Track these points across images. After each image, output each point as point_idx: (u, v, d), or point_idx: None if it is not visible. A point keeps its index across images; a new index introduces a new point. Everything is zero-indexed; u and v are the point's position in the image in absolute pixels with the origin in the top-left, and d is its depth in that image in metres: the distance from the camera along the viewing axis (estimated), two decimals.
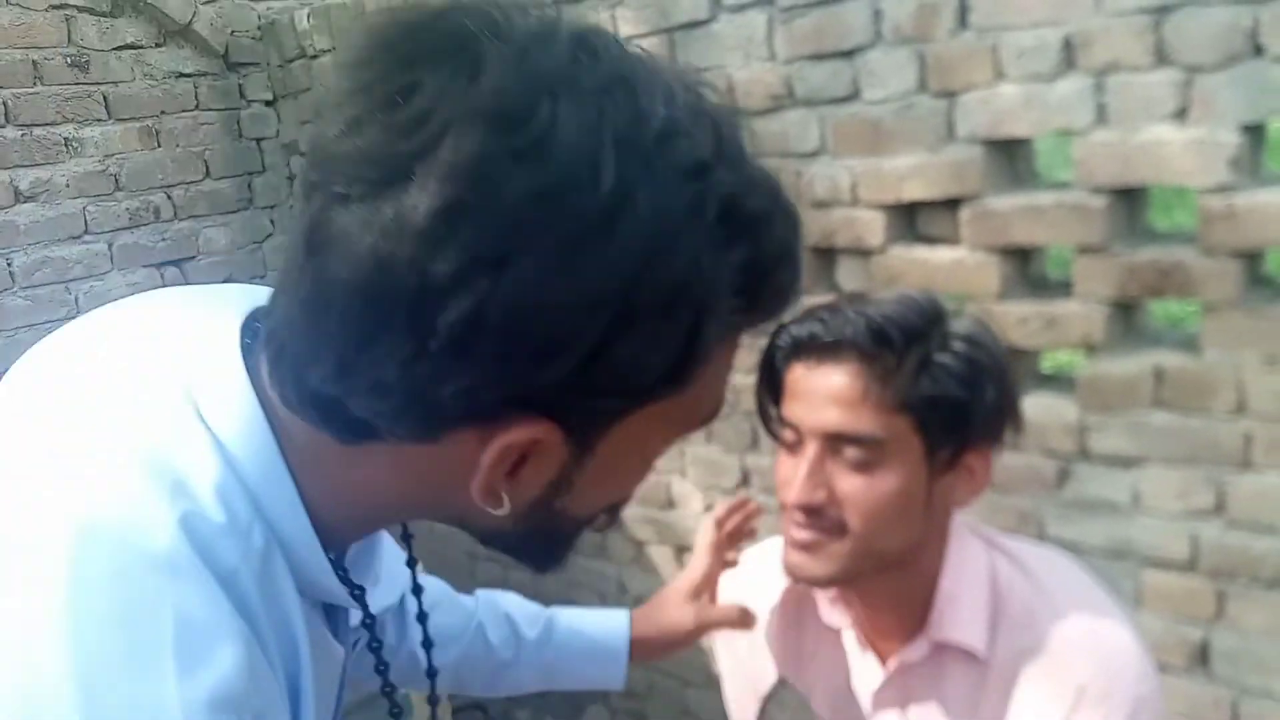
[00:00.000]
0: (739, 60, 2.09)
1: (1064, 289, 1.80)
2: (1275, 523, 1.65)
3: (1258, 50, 1.49)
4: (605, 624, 0.99)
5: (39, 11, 2.76)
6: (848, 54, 1.92)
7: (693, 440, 2.33)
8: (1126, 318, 1.76)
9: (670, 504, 2.58)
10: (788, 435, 0.86)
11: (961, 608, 0.87)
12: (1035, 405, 1.86)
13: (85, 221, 2.93)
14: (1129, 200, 1.70)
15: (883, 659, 0.94)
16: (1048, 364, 1.96)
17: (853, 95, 1.94)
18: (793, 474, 0.84)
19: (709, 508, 2.42)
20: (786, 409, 0.86)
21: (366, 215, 0.42)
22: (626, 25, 2.27)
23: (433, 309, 0.42)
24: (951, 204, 1.86)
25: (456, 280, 0.41)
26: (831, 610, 0.96)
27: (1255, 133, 1.55)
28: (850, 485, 0.82)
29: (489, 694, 1.01)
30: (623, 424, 0.48)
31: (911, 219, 1.96)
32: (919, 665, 0.90)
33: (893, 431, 0.81)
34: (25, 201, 2.80)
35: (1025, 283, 1.87)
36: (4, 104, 2.71)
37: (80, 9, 2.84)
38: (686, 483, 2.51)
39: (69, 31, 2.83)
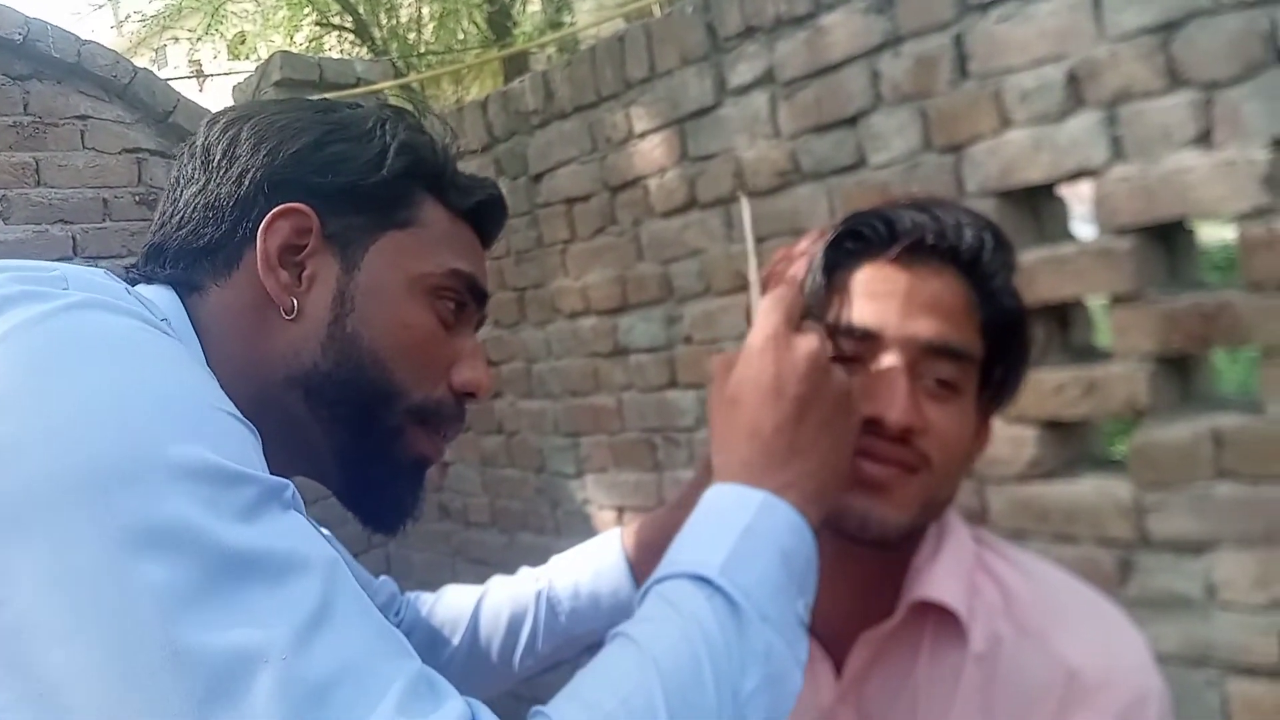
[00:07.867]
0: (745, 141, 2.02)
1: (1105, 355, 1.59)
2: None
3: None
4: (600, 556, 0.89)
5: (112, 155, 2.95)
6: (850, 121, 1.83)
7: None
8: (1175, 377, 1.53)
9: None
10: (849, 346, 0.71)
11: (939, 568, 0.73)
12: (1085, 489, 1.62)
13: None
14: (1161, 242, 1.51)
15: (838, 665, 0.77)
16: (1096, 440, 1.72)
17: (858, 163, 1.83)
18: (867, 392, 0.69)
19: None
20: (857, 311, 0.71)
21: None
22: (640, 121, 2.25)
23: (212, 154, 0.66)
24: None
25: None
26: None
27: None
28: (937, 412, 0.68)
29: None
30: (374, 248, 0.65)
31: None
32: (889, 642, 0.73)
33: (977, 355, 0.70)
34: None
35: (1064, 348, 1.67)
36: (73, 238, 2.87)
37: (151, 152, 3.02)
38: None
39: (139, 172, 3.01)
